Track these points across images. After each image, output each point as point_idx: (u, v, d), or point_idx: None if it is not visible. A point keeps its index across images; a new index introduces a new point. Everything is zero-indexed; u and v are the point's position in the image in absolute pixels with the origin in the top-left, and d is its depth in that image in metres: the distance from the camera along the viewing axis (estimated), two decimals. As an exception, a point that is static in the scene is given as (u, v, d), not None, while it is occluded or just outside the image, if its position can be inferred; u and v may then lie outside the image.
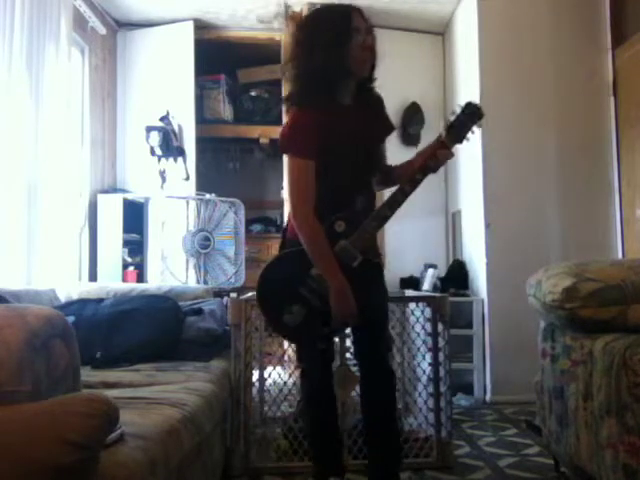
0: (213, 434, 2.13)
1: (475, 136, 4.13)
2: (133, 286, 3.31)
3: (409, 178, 1.95)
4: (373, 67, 2.00)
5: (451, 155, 1.98)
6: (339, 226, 1.95)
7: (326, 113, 1.94)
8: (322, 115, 1.93)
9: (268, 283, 1.99)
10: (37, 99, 3.09)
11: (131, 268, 4.01)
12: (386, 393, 2.05)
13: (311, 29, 2.00)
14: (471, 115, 1.97)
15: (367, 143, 2.03)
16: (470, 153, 4.06)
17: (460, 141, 1.98)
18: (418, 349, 2.71)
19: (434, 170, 1.97)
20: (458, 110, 1.97)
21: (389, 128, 2.15)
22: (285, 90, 2.05)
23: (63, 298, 3.04)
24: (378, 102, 2.12)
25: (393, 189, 2.03)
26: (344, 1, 2.12)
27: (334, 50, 1.90)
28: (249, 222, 4.56)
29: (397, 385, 2.14)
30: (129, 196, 4.16)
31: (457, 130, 1.96)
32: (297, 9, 4.38)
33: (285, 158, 2.03)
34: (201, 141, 4.72)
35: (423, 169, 1.95)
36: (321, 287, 1.92)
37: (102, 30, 4.21)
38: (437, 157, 1.95)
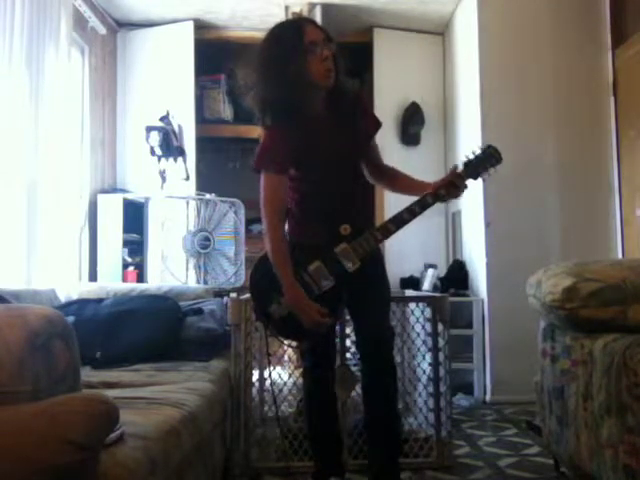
0: (213, 434, 2.13)
1: (475, 136, 4.14)
2: (133, 286, 3.31)
3: (419, 200, 2.00)
4: (338, 74, 1.99)
5: (465, 187, 2.03)
6: (345, 230, 1.98)
7: (296, 128, 1.96)
8: (292, 131, 1.96)
9: (264, 269, 2.01)
10: (37, 99, 3.09)
11: (131, 268, 4.00)
12: (387, 383, 2.06)
13: (267, 51, 1.98)
14: (489, 157, 2.05)
15: (346, 146, 2.03)
16: (470, 153, 4.06)
17: (475, 177, 2.04)
18: (418, 349, 2.71)
19: (446, 198, 2.02)
20: (478, 150, 2.05)
21: (376, 124, 2.15)
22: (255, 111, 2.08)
23: (63, 298, 3.04)
24: (356, 102, 2.11)
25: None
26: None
27: (292, 71, 1.89)
28: (249, 222, 4.55)
29: (397, 383, 2.15)
30: (129, 196, 4.16)
31: (474, 167, 2.04)
32: (297, 9, 4.38)
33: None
34: (201, 141, 4.71)
35: (435, 195, 2.00)
36: (315, 284, 1.94)
37: (102, 30, 4.21)
38: (455, 185, 2.00)
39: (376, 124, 2.15)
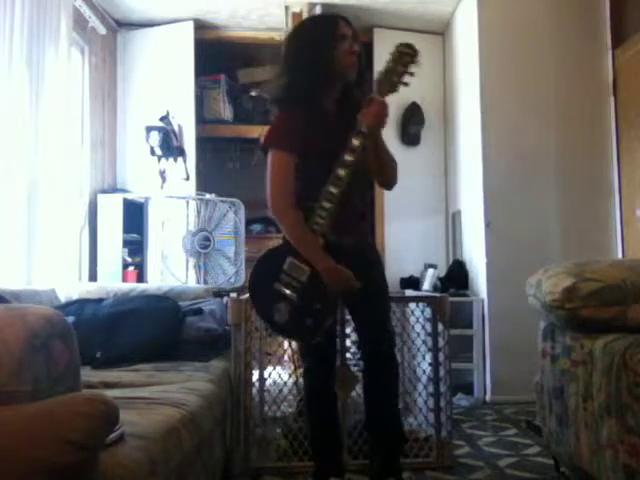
0: (213, 434, 2.13)
1: (475, 136, 4.12)
2: (133, 286, 3.31)
3: (348, 148, 1.89)
4: (359, 73, 2.02)
5: (378, 107, 1.87)
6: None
7: (307, 116, 1.98)
8: (303, 117, 1.98)
9: (255, 285, 2.02)
10: (37, 99, 3.09)
11: (131, 268, 4.00)
12: (388, 383, 2.05)
13: (300, 37, 2.06)
14: (403, 56, 1.87)
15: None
16: (470, 153, 4.06)
17: (395, 88, 1.88)
18: (418, 349, 2.71)
19: (373, 131, 1.89)
20: (388, 57, 1.89)
21: None
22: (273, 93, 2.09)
23: (63, 298, 3.04)
24: (358, 109, 2.11)
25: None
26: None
27: (321, 56, 1.94)
28: (249, 222, 4.55)
29: (399, 383, 2.15)
30: (129, 196, 4.16)
31: (389, 77, 1.87)
32: (297, 9, 4.38)
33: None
34: (201, 141, 4.71)
35: (359, 134, 1.88)
36: (294, 280, 1.93)
37: (102, 30, 4.21)
38: (372, 112, 1.87)
39: None
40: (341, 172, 1.88)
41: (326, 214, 1.89)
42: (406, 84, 1.87)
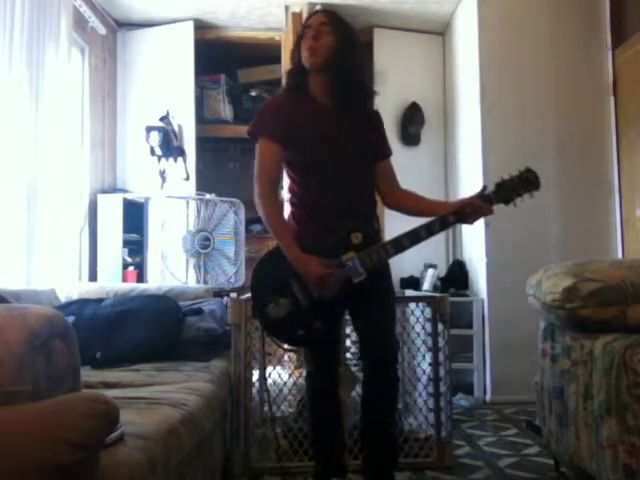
0: (213, 434, 2.13)
1: (475, 135, 4.12)
2: (133, 286, 3.31)
3: (440, 217, 1.95)
4: (343, 65, 1.98)
5: (490, 212, 1.97)
6: (356, 238, 1.94)
7: (295, 101, 2.02)
8: (290, 101, 2.03)
9: (265, 268, 2.00)
10: (37, 99, 3.09)
11: (131, 268, 4.00)
12: (387, 399, 2.03)
13: None
14: (526, 182, 1.97)
15: (344, 146, 2.00)
16: (470, 153, 4.06)
17: (506, 202, 1.97)
18: (418, 349, 2.71)
19: (469, 220, 1.96)
20: (516, 172, 1.98)
21: (385, 151, 2.13)
22: None
23: (63, 298, 3.04)
24: (374, 118, 2.12)
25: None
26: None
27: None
28: (249, 222, 4.55)
29: (397, 399, 2.12)
30: (129, 196, 4.16)
31: (507, 191, 1.97)
32: (297, 9, 4.38)
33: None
34: (201, 141, 4.71)
35: (458, 214, 1.95)
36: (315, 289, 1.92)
37: (102, 30, 4.21)
38: (480, 207, 1.94)
39: (385, 151, 2.13)
40: (423, 233, 1.96)
41: (386, 257, 1.94)
42: (515, 205, 1.97)
